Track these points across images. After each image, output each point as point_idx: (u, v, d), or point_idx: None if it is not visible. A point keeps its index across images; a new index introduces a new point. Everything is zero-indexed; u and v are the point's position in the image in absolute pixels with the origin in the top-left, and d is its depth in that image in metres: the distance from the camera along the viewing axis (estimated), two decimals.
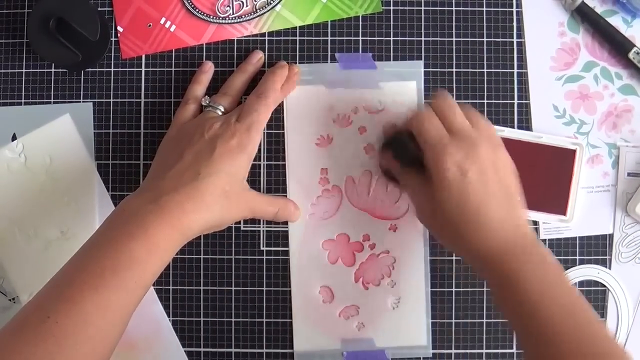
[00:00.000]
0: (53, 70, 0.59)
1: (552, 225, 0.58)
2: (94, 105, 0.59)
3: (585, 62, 0.59)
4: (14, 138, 0.59)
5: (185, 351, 0.58)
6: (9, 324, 0.43)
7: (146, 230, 0.46)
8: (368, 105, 0.59)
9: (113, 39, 0.60)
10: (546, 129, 0.59)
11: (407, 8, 0.59)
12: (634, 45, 0.58)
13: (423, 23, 0.59)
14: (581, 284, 0.58)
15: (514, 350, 0.58)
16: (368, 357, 0.58)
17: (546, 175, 0.58)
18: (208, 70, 0.58)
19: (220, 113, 0.55)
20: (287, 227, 0.59)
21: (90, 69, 0.59)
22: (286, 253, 0.59)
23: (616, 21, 0.59)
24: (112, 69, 0.60)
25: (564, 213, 0.58)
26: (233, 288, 0.59)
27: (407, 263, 0.59)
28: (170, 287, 0.59)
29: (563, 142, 0.58)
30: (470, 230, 0.47)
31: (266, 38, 0.60)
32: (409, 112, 0.52)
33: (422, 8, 0.59)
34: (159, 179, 0.50)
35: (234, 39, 0.60)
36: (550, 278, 0.46)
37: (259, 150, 0.59)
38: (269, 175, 0.59)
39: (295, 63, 0.59)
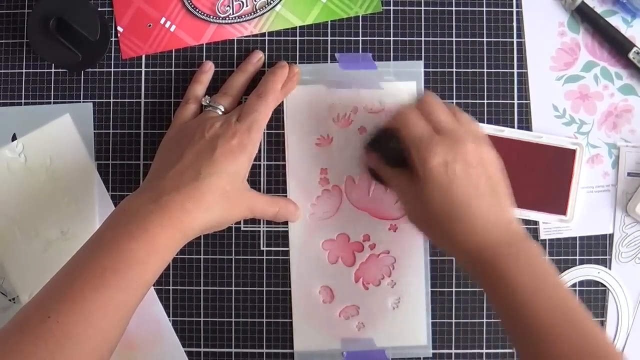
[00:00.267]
0: (53, 70, 0.59)
1: (552, 225, 0.58)
2: (94, 105, 0.59)
3: (585, 62, 0.59)
4: (14, 138, 0.59)
5: (185, 351, 0.58)
6: (10, 324, 0.43)
7: (147, 230, 0.46)
8: (368, 105, 0.59)
9: (113, 39, 0.60)
10: (546, 129, 0.59)
11: (407, 8, 0.59)
12: (634, 45, 0.58)
13: (423, 23, 0.59)
14: (581, 284, 0.58)
15: (514, 350, 0.58)
16: (368, 357, 0.58)
17: (546, 175, 0.58)
18: (208, 70, 0.58)
19: (220, 113, 0.55)
20: (287, 227, 0.59)
21: (90, 69, 0.59)
22: (286, 253, 0.59)
23: (616, 21, 0.59)
24: (112, 69, 0.60)
25: (564, 213, 0.58)
26: (233, 288, 0.59)
27: (407, 263, 0.59)
28: (170, 287, 0.59)
29: (563, 142, 0.58)
30: (459, 227, 0.47)
31: (266, 38, 0.60)
32: (394, 111, 0.52)
33: (422, 8, 0.59)
34: (159, 179, 0.50)
35: (234, 39, 0.60)
36: (541, 274, 0.45)
37: (259, 150, 0.59)
38: (269, 175, 0.59)
39: (295, 63, 0.59)
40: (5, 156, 0.59)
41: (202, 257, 0.59)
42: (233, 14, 0.59)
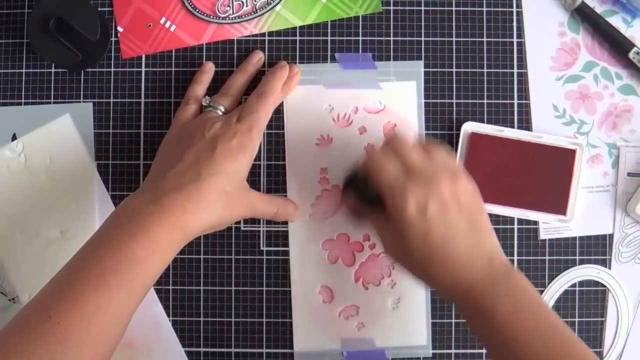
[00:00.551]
0: (53, 70, 0.59)
1: (552, 225, 0.58)
2: (94, 105, 0.59)
3: (585, 62, 0.59)
4: (14, 138, 0.59)
5: (185, 351, 0.58)
6: (10, 324, 0.43)
7: (147, 231, 0.46)
8: (368, 105, 0.59)
9: (113, 39, 0.60)
10: (546, 129, 0.59)
11: (407, 8, 0.59)
12: (634, 45, 0.58)
13: (423, 23, 0.59)
14: (581, 284, 0.58)
15: None
16: (368, 357, 0.58)
17: (546, 175, 0.58)
18: (209, 70, 0.58)
19: (220, 113, 0.55)
20: (287, 227, 0.59)
21: (90, 69, 0.59)
22: (286, 253, 0.59)
23: (616, 21, 0.59)
24: (112, 69, 0.60)
25: (564, 213, 0.58)
26: (233, 288, 0.59)
27: None
28: (170, 287, 0.59)
29: (563, 142, 0.58)
30: (437, 267, 0.47)
31: (266, 38, 0.60)
32: (365, 153, 0.50)
33: (422, 8, 0.59)
34: (159, 179, 0.50)
35: (234, 39, 0.60)
36: (522, 305, 0.45)
37: (259, 150, 0.59)
38: (269, 175, 0.59)
39: (295, 63, 0.59)
40: (5, 156, 0.59)
41: (202, 257, 0.59)
42: (233, 14, 0.59)
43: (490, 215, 0.58)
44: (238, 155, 0.51)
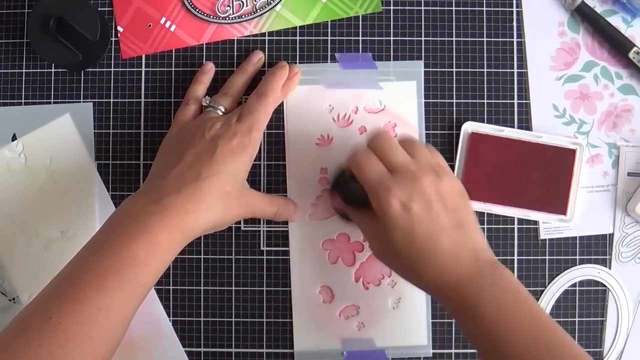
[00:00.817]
0: (53, 70, 0.59)
1: (552, 225, 0.58)
2: (94, 105, 0.59)
3: (585, 61, 0.59)
4: (14, 138, 0.59)
5: (185, 351, 0.58)
6: (11, 325, 0.43)
7: (148, 231, 0.46)
8: (368, 105, 0.59)
9: (113, 39, 0.60)
10: (546, 129, 0.59)
11: (407, 8, 0.59)
12: (634, 45, 0.58)
13: (423, 23, 0.59)
14: (581, 283, 0.58)
15: None
16: (368, 357, 0.58)
17: (546, 175, 0.58)
18: (209, 70, 0.58)
19: (220, 113, 0.55)
20: (287, 227, 0.59)
21: (90, 69, 0.59)
22: (286, 253, 0.59)
23: (616, 21, 0.59)
24: (112, 69, 0.60)
25: (564, 213, 0.58)
26: (233, 288, 0.59)
27: None
28: (170, 287, 0.59)
29: (563, 142, 0.58)
30: (423, 265, 0.46)
31: (266, 38, 0.60)
32: (349, 153, 0.50)
33: (422, 8, 0.59)
34: (160, 180, 0.50)
35: (234, 39, 0.60)
36: (508, 301, 0.44)
37: (259, 150, 0.59)
38: (269, 175, 0.59)
39: (295, 63, 0.59)
40: (5, 156, 0.59)
41: (202, 257, 0.59)
42: (233, 13, 0.59)
43: (490, 215, 0.58)
44: (238, 155, 0.51)
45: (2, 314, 0.58)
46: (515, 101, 0.59)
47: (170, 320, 0.58)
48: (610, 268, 0.58)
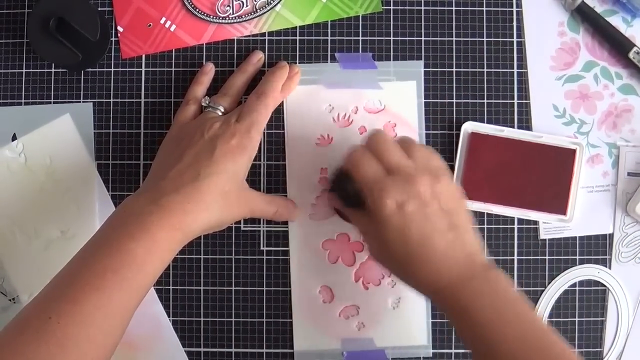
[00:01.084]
0: (53, 70, 0.59)
1: (552, 225, 0.58)
2: (94, 105, 0.59)
3: (585, 61, 0.59)
4: (14, 138, 0.59)
5: (185, 351, 0.58)
6: (10, 325, 0.43)
7: (147, 231, 0.46)
8: (368, 105, 0.59)
9: (113, 39, 0.60)
10: (546, 129, 0.59)
11: (407, 8, 0.59)
12: (634, 45, 0.58)
13: (423, 23, 0.59)
14: (581, 283, 0.58)
15: None
16: (368, 357, 0.58)
17: (546, 175, 0.58)
18: (209, 71, 0.58)
19: (220, 113, 0.55)
20: (287, 227, 0.59)
21: (90, 69, 0.59)
22: (286, 253, 0.59)
23: (616, 21, 0.59)
24: (112, 69, 0.60)
25: (564, 213, 0.58)
26: (233, 288, 0.59)
27: None
28: (170, 287, 0.59)
29: (563, 142, 0.58)
30: (417, 265, 0.46)
31: (266, 38, 0.60)
32: (346, 153, 0.51)
33: (422, 8, 0.59)
34: (159, 179, 0.50)
35: (234, 39, 0.60)
36: (501, 303, 0.44)
37: (259, 150, 0.59)
38: (269, 175, 0.59)
39: (296, 63, 0.59)
40: (5, 156, 0.59)
41: (202, 257, 0.59)
42: (233, 13, 0.59)
43: (490, 215, 0.58)
44: (237, 155, 0.51)
45: (2, 314, 0.58)
46: (515, 101, 0.59)
47: (170, 320, 0.58)
48: (610, 268, 0.58)
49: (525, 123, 0.59)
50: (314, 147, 0.59)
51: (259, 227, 0.59)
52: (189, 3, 0.59)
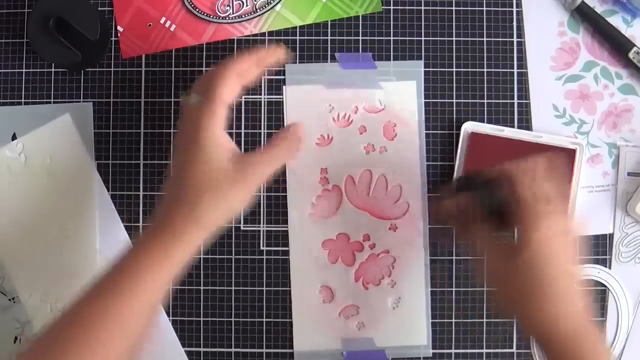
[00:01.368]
0: (53, 70, 0.59)
1: None
2: (94, 105, 0.59)
3: (585, 61, 0.59)
4: (14, 138, 0.59)
5: (185, 351, 0.58)
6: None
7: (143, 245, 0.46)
8: (368, 105, 0.59)
9: (113, 39, 0.60)
10: (546, 129, 0.59)
11: (407, 8, 0.59)
12: (634, 45, 0.58)
13: (423, 23, 0.59)
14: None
15: (514, 350, 0.58)
16: (368, 357, 0.58)
17: None
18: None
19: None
20: (287, 227, 0.59)
21: (90, 69, 0.59)
22: (286, 253, 0.59)
23: (616, 21, 0.59)
24: (112, 69, 0.60)
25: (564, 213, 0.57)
26: (233, 288, 0.59)
27: (407, 263, 0.58)
28: (170, 287, 0.59)
29: (563, 141, 0.58)
30: (540, 302, 0.45)
31: (266, 38, 0.60)
32: (509, 163, 0.49)
33: (422, 8, 0.59)
34: (169, 189, 0.49)
35: (234, 39, 0.60)
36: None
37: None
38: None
39: (295, 62, 0.59)
40: (5, 156, 0.59)
41: (202, 257, 0.59)
42: (233, 13, 0.59)
43: None
44: (198, 136, 0.47)
45: (2, 313, 0.58)
46: (515, 101, 0.59)
47: (170, 320, 0.58)
48: (610, 268, 0.58)
49: (525, 123, 0.59)
50: (314, 147, 0.59)
51: (259, 227, 0.59)
52: (189, 3, 0.59)
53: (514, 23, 0.59)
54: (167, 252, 0.46)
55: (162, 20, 0.59)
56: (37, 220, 0.58)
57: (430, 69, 0.59)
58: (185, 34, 0.59)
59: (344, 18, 0.59)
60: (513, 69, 0.59)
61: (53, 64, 0.59)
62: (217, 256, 0.59)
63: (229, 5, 0.59)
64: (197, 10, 0.59)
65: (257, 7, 0.59)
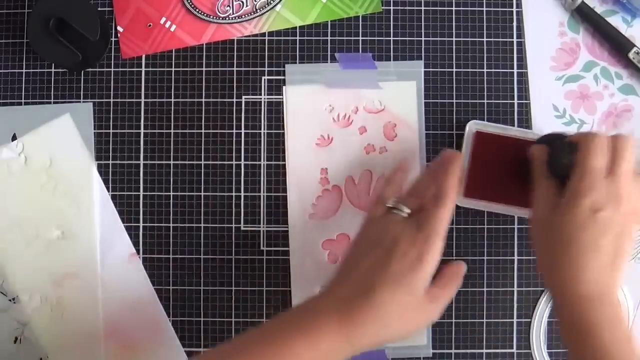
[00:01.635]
0: (53, 70, 0.59)
1: None
2: (94, 105, 0.59)
3: (585, 62, 0.59)
4: (14, 138, 0.59)
5: (185, 351, 0.58)
6: None
7: (316, 337, 0.46)
8: (368, 105, 0.59)
9: (113, 39, 0.60)
10: (546, 129, 0.59)
11: (407, 8, 0.59)
12: (634, 45, 0.58)
13: (423, 23, 0.59)
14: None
15: (514, 350, 0.58)
16: (368, 357, 0.58)
17: None
18: (405, 169, 0.55)
19: (405, 215, 0.50)
20: (287, 227, 0.59)
21: (90, 69, 0.59)
22: (286, 253, 0.59)
23: (616, 21, 0.59)
24: (112, 69, 0.60)
25: None
26: (233, 288, 0.59)
27: None
28: (170, 287, 0.59)
29: None
30: (570, 263, 0.46)
31: (266, 38, 0.60)
32: (587, 133, 0.49)
33: (422, 8, 0.59)
34: (339, 285, 0.48)
35: (234, 39, 0.60)
36: (622, 335, 0.45)
37: (259, 150, 0.59)
38: (269, 175, 0.59)
39: (296, 63, 0.59)
40: (5, 156, 0.59)
41: (202, 257, 0.59)
42: (233, 13, 0.59)
43: (491, 214, 0.58)
44: (416, 267, 0.47)
45: (2, 314, 0.58)
46: (515, 101, 0.59)
47: (170, 320, 0.58)
48: None
49: (525, 123, 0.59)
50: (314, 147, 0.59)
51: (259, 227, 0.59)
52: (189, 3, 0.59)
53: (514, 23, 0.59)
54: (341, 342, 0.46)
55: (162, 20, 0.59)
56: (37, 220, 0.58)
57: (430, 69, 0.59)
58: (185, 34, 0.59)
59: (344, 18, 0.59)
60: (513, 69, 0.59)
61: (53, 64, 0.59)
62: (217, 256, 0.59)
63: (229, 6, 0.59)
64: (197, 10, 0.59)
65: (257, 7, 0.59)
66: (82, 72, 0.59)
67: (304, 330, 0.45)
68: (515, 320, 0.58)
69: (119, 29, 0.60)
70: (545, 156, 0.51)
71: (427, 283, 0.47)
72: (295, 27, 0.60)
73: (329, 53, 0.59)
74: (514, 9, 0.59)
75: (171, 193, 0.59)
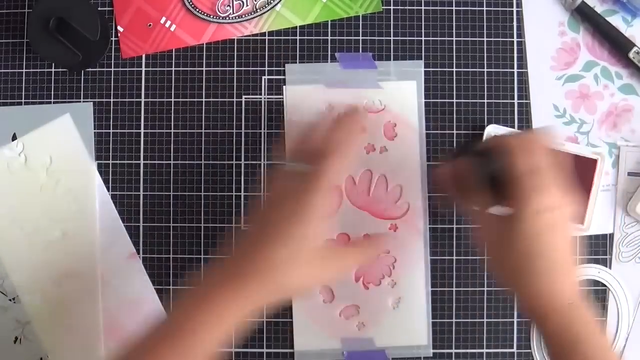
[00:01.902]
0: (53, 70, 0.59)
1: None
2: (94, 105, 0.59)
3: (585, 61, 0.59)
4: (14, 138, 0.59)
5: None
6: None
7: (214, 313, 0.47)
8: (368, 105, 0.59)
9: (113, 38, 0.60)
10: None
11: (407, 8, 0.59)
12: (634, 45, 0.58)
13: (423, 23, 0.59)
14: (581, 283, 0.58)
15: (514, 350, 0.58)
16: (368, 357, 0.58)
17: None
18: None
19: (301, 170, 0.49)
20: None
21: (90, 69, 0.59)
22: None
23: (616, 21, 0.59)
24: (112, 69, 0.60)
25: (581, 222, 0.57)
26: None
27: (407, 263, 0.58)
28: (171, 287, 0.59)
29: (584, 151, 0.57)
30: (536, 276, 0.45)
31: (266, 38, 0.60)
32: (514, 133, 0.49)
33: (422, 8, 0.59)
34: (234, 252, 0.49)
35: (234, 39, 0.60)
36: (602, 343, 0.46)
37: (259, 150, 0.59)
38: (269, 175, 0.59)
39: (296, 63, 0.59)
40: (5, 156, 0.59)
41: (202, 257, 0.59)
42: (233, 13, 0.59)
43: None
44: (292, 220, 0.46)
45: (2, 314, 0.58)
46: (516, 101, 0.59)
47: None
48: (610, 268, 0.58)
49: (526, 123, 0.59)
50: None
51: None
52: (189, 3, 0.59)
53: (514, 23, 0.59)
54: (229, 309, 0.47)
55: (162, 20, 0.59)
56: (37, 220, 0.58)
57: (430, 69, 0.59)
58: (185, 34, 0.59)
59: (344, 18, 0.59)
60: (513, 69, 0.59)
61: (53, 64, 0.59)
62: (217, 256, 0.59)
63: (229, 5, 0.59)
64: (197, 10, 0.59)
65: (257, 7, 0.59)
66: (82, 72, 0.59)
67: (202, 319, 0.46)
68: (515, 320, 0.58)
69: (119, 28, 0.60)
70: (470, 171, 0.49)
71: (315, 238, 0.46)
72: (296, 27, 0.60)
73: (329, 53, 0.59)
74: (514, 9, 0.59)
75: (171, 193, 0.59)
